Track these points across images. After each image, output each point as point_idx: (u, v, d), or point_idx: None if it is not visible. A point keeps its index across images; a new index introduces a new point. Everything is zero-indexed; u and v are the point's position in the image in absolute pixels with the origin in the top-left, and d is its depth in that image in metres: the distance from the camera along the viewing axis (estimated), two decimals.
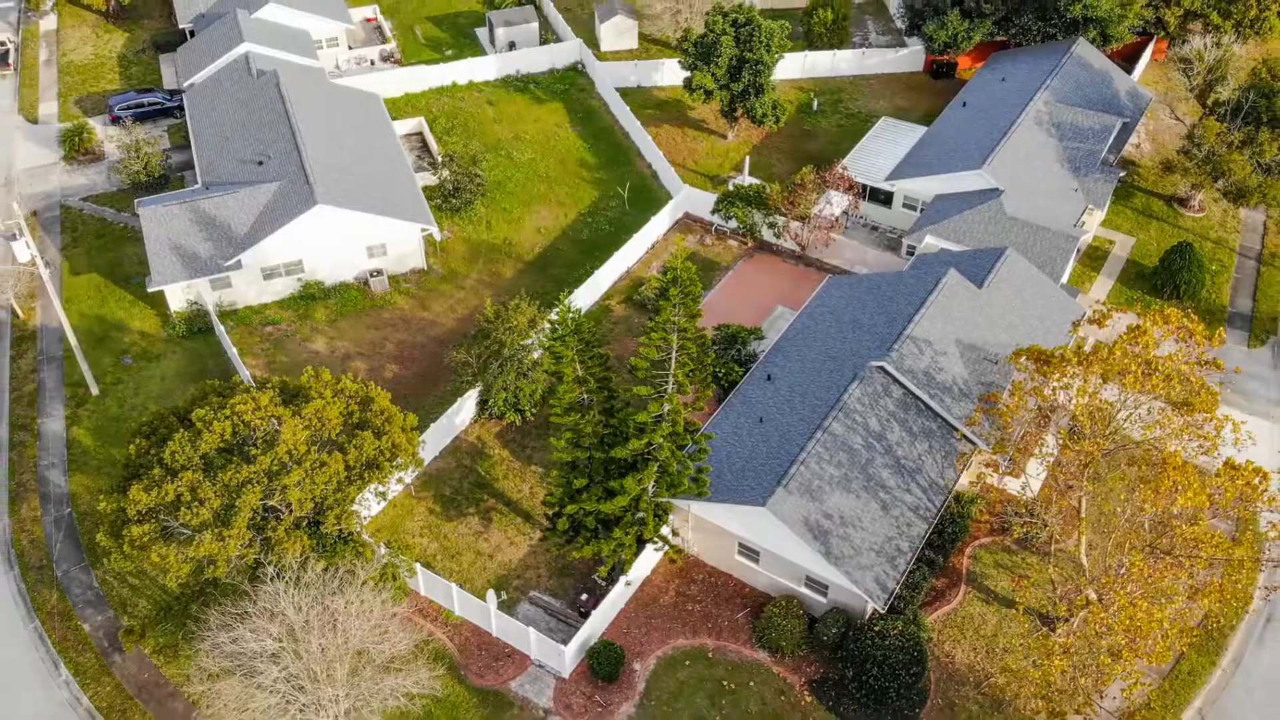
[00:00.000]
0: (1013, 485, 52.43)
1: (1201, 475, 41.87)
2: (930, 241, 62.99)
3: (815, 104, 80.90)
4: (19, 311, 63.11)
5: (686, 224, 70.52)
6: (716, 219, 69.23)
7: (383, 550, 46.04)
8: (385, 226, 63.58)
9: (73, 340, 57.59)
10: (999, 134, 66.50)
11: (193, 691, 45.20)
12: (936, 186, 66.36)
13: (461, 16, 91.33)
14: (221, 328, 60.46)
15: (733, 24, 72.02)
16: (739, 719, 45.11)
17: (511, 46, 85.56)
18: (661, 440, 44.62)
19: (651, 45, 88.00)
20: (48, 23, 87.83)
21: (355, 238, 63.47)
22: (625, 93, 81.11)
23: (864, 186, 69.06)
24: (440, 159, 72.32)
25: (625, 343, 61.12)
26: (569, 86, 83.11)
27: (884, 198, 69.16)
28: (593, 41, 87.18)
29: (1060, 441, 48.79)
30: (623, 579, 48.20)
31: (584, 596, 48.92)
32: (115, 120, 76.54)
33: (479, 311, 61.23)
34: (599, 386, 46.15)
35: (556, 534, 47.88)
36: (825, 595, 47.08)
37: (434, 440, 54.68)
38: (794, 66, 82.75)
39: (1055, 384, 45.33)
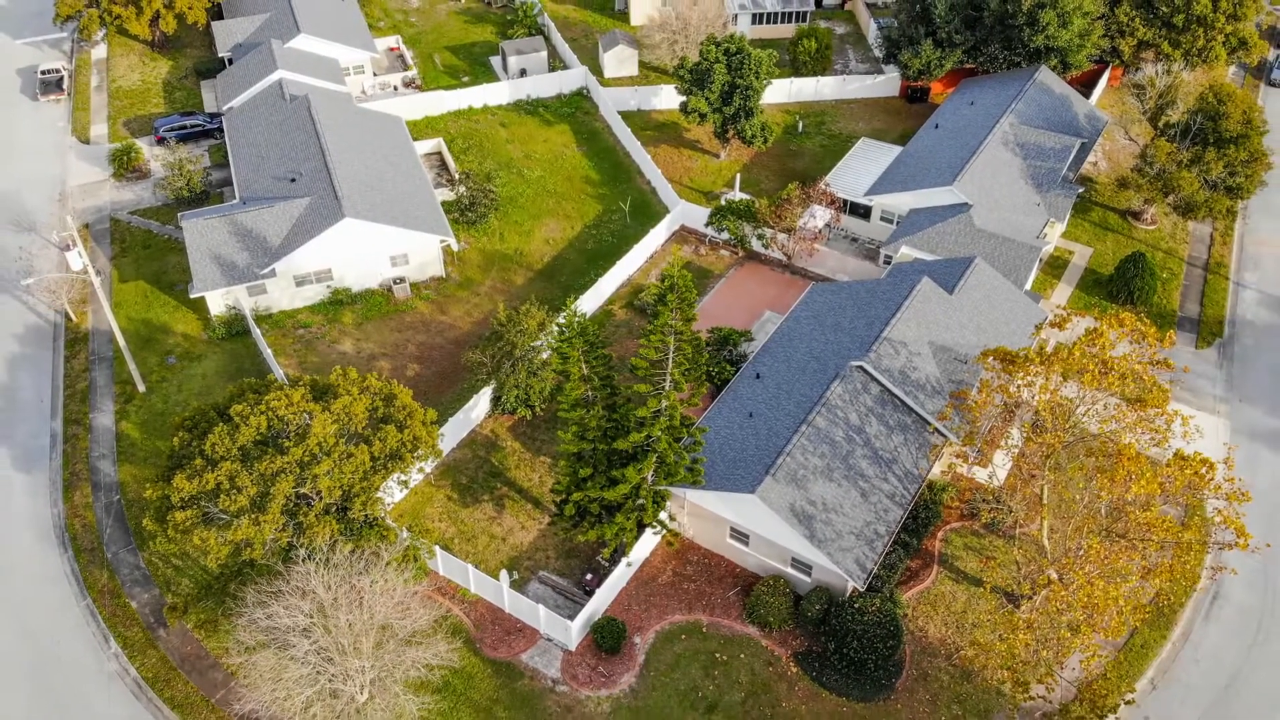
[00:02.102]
0: (980, 474, 52.44)
1: (1153, 465, 41.88)
2: (905, 251, 62.97)
3: (800, 126, 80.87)
4: (72, 316, 63.11)
5: (683, 235, 70.49)
6: (710, 231, 69.20)
7: (405, 534, 46.04)
8: (407, 238, 63.55)
9: (121, 342, 57.57)
10: (968, 153, 66.48)
11: (231, 663, 45.20)
12: (911, 201, 66.35)
13: (477, 46, 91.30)
14: (257, 330, 60.43)
15: (725, 53, 71.99)
16: (730, 688, 45.11)
17: (523, 73, 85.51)
18: (660, 433, 44.61)
19: (651, 72, 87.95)
20: (98, 51, 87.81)
21: (380, 248, 63.44)
22: (627, 116, 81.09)
23: (845, 201, 69.02)
24: (457, 176, 72.28)
25: (626, 344, 61.10)
26: (575, 110, 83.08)
27: (863, 211, 69.13)
28: (597, 69, 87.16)
29: (1024, 434, 48.79)
30: (624, 560, 48.19)
31: (589, 576, 48.91)
32: (160, 141, 76.52)
33: (493, 316, 61.30)
34: (602, 384, 46.13)
35: (564, 519, 47.86)
36: (809, 575, 47.07)
37: (452, 433, 54.67)
38: (781, 92, 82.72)
39: (1020, 382, 45.32)
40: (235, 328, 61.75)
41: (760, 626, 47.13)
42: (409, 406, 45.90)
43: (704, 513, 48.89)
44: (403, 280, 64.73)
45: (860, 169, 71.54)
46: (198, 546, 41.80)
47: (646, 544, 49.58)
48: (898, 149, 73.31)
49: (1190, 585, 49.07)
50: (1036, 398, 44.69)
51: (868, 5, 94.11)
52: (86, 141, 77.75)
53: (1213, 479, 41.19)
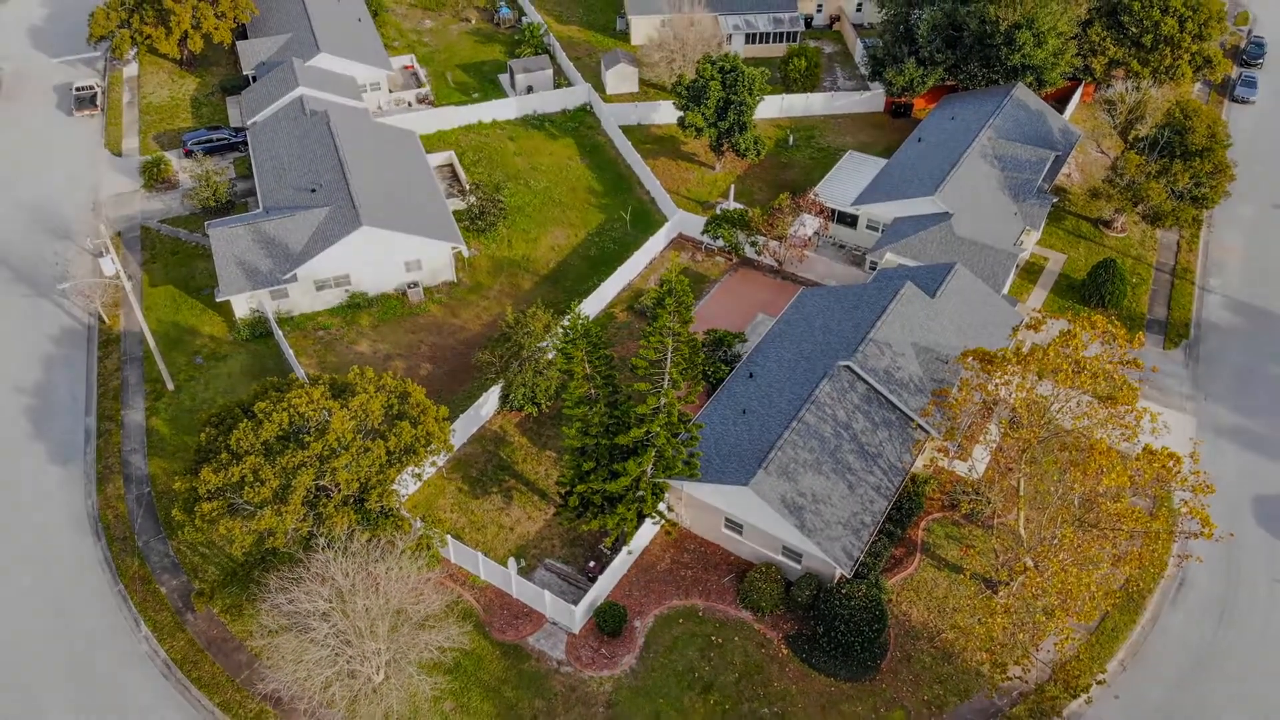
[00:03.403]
0: (961, 468, 52.46)
1: (1123, 459, 41.94)
2: (890, 258, 63.00)
3: (791, 139, 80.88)
4: (105, 319, 63.14)
5: (680, 243, 70.50)
6: (706, 239, 69.21)
7: (418, 524, 46.09)
8: (421, 245, 63.56)
9: (151, 343, 57.62)
10: (949, 165, 66.47)
11: (255, 645, 45.25)
12: (895, 210, 66.36)
13: (486, 64, 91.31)
14: (279, 332, 60.46)
15: (720, 71, 72.01)
16: (725, 669, 45.14)
17: (529, 90, 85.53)
18: (659, 429, 44.64)
19: (650, 89, 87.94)
20: (130, 69, 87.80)
21: (395, 255, 63.46)
22: (627, 130, 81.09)
23: (833, 210, 69.02)
24: (468, 187, 72.30)
25: (627, 345, 61.12)
26: (579, 124, 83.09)
27: (850, 220, 69.15)
28: (599, 86, 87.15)
29: (1001, 430, 48.81)
30: (625, 548, 48.22)
31: (592, 564, 48.94)
32: (188, 154, 76.51)
33: (501, 318, 61.34)
34: (604, 383, 46.18)
35: (568, 510, 47.90)
36: (799, 562, 47.09)
37: (463, 429, 54.69)
38: (773, 107, 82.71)
39: (997, 380, 45.36)
40: (259, 329, 61.78)
41: (753, 611, 47.15)
42: (422, 404, 45.93)
43: (700, 504, 48.92)
44: (416, 285, 64.75)
45: (847, 180, 71.55)
46: (223, 536, 41.87)
47: (646, 533, 49.61)
48: (883, 161, 73.30)
49: (1158, 572, 49.10)
50: (1013, 395, 44.70)
51: (855, 26, 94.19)
52: (119, 154, 77.76)
53: (1179, 472, 41.25)
